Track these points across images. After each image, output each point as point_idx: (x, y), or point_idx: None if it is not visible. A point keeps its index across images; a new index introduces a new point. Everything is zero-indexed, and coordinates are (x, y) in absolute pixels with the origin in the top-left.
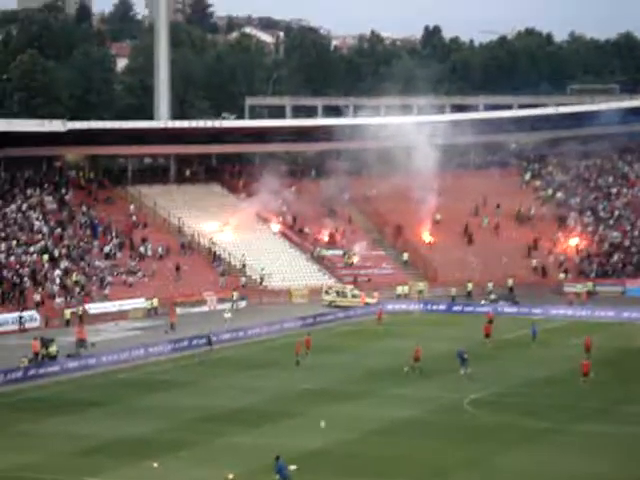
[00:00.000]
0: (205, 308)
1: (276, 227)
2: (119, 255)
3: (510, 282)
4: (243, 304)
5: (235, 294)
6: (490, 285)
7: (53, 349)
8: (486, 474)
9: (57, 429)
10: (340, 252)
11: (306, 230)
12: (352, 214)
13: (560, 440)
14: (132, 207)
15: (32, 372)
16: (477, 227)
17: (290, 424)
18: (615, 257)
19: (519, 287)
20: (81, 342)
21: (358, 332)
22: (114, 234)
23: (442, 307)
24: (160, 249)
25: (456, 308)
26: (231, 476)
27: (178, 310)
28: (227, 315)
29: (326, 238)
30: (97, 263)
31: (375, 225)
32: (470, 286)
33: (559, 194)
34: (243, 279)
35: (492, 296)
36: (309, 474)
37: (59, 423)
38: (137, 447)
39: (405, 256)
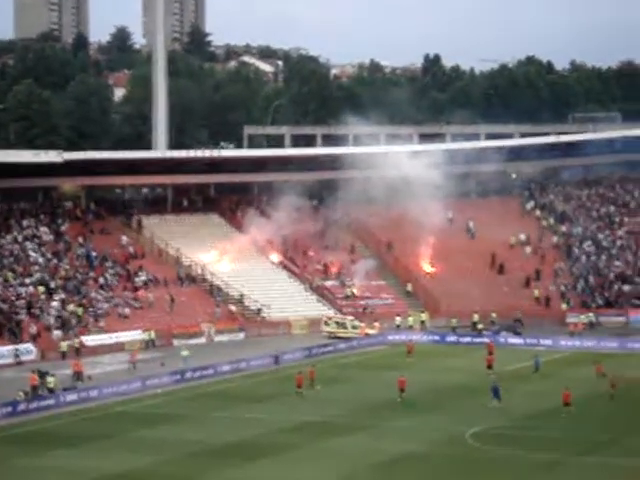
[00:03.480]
0: (202, 339)
1: (275, 257)
2: (115, 286)
3: (518, 314)
4: (241, 336)
5: (207, 326)
6: (493, 315)
7: (51, 381)
8: None
9: (55, 463)
10: (339, 282)
11: (305, 260)
12: (353, 243)
13: (566, 473)
14: (129, 238)
15: (29, 406)
16: (479, 257)
17: (290, 457)
18: (618, 287)
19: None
20: (78, 375)
21: (358, 364)
22: (110, 265)
23: (437, 338)
24: (157, 280)
25: (451, 339)
26: None
27: (175, 342)
28: (184, 353)
29: (326, 268)
30: (93, 295)
31: (376, 254)
32: (476, 317)
33: (561, 223)
34: (233, 308)
35: (495, 327)
36: None
37: (57, 457)
38: None
39: (409, 286)
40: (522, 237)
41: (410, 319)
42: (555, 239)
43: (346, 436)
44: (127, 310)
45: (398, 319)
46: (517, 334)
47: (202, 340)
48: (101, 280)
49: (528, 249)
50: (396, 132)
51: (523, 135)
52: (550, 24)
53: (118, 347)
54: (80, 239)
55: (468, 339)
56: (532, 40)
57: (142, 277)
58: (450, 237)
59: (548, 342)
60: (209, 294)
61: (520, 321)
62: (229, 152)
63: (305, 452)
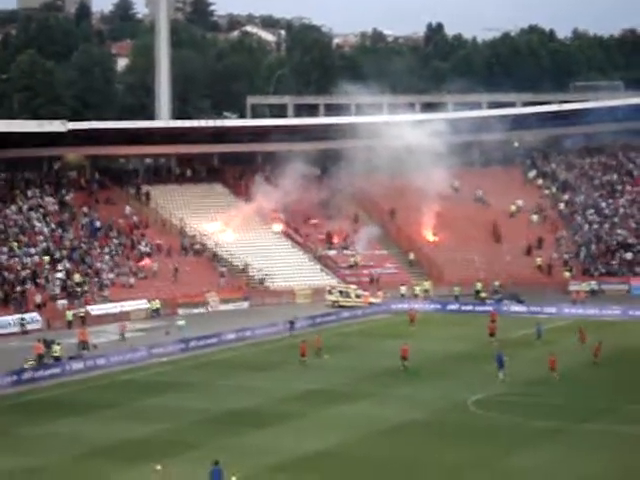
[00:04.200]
0: (208, 308)
1: (278, 227)
2: (120, 256)
3: (478, 285)
4: (245, 305)
5: (211, 295)
6: (496, 284)
7: (57, 349)
8: (495, 475)
9: (61, 431)
10: (343, 252)
11: (309, 230)
12: (356, 213)
13: (568, 440)
14: (133, 208)
15: (36, 374)
16: (482, 225)
17: (294, 425)
18: (620, 255)
19: (524, 286)
20: (83, 344)
21: (362, 332)
22: (115, 235)
23: (439, 306)
24: (161, 250)
25: (453, 307)
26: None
27: (180, 311)
28: (180, 323)
29: (329, 237)
30: (98, 264)
31: (379, 224)
32: (479, 286)
33: (563, 192)
34: (223, 269)
35: (496, 295)
36: (314, 476)
37: (63, 425)
38: (140, 449)
39: (411, 255)
40: (519, 203)
41: (417, 288)
42: (557, 207)
43: (350, 404)
44: (132, 280)
45: (403, 288)
46: (520, 302)
47: (206, 309)
48: (106, 250)
49: (535, 217)
50: (398, 101)
51: (525, 104)
52: None
53: (123, 316)
54: (85, 209)
55: (471, 307)
56: (535, 9)
57: (146, 247)
58: (453, 206)
59: (551, 310)
60: (213, 264)
61: (497, 291)
62: (232, 122)
63: (309, 420)
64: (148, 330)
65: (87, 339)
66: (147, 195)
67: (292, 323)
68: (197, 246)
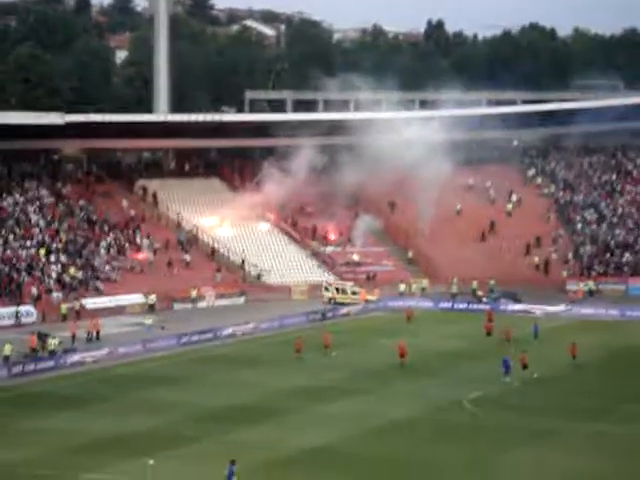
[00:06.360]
0: (203, 304)
1: (276, 223)
2: (116, 249)
3: (474, 284)
4: (242, 300)
5: (194, 292)
6: (492, 282)
7: (54, 342)
8: (488, 473)
9: (55, 425)
10: (341, 249)
11: (307, 226)
12: (354, 210)
13: (562, 439)
14: (130, 201)
15: (31, 367)
16: (480, 223)
17: (290, 421)
18: (618, 255)
19: (521, 285)
20: (97, 334)
21: (358, 329)
22: (111, 228)
23: (436, 304)
24: (158, 244)
25: (450, 305)
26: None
27: (175, 305)
28: (147, 322)
29: (327, 234)
30: (94, 258)
31: (378, 220)
32: (475, 284)
33: (562, 191)
34: (219, 265)
35: (494, 294)
36: (309, 472)
37: (57, 419)
38: (134, 443)
39: (410, 253)
40: (518, 201)
41: (414, 286)
42: (556, 207)
43: (345, 401)
44: (127, 273)
45: (402, 286)
46: (517, 301)
47: (202, 304)
48: (102, 243)
49: (552, 215)
50: (398, 98)
51: (525, 102)
52: None
53: (118, 310)
54: (81, 202)
55: (468, 305)
56: (537, 6)
57: (142, 241)
58: (451, 203)
59: (548, 309)
60: (209, 258)
61: (493, 290)
62: (231, 116)
63: (304, 416)
64: (143, 324)
65: (99, 329)
66: (144, 189)
67: (323, 314)
68: (195, 240)
